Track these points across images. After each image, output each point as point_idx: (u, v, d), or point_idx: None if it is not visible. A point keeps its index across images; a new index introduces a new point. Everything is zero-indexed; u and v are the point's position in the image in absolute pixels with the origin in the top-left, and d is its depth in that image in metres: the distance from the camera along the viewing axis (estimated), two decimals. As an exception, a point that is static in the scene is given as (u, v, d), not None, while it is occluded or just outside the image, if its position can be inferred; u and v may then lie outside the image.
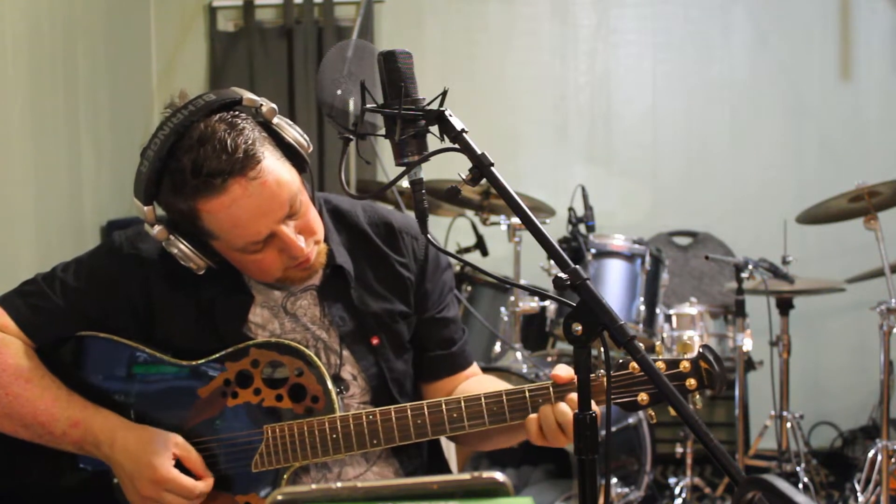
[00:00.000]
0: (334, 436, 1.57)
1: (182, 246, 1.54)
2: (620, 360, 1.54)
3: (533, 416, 1.54)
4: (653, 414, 1.58)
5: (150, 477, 1.55)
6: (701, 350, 1.53)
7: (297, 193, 1.54)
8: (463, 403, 1.56)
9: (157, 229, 1.53)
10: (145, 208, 1.51)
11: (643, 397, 1.52)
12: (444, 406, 1.56)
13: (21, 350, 1.61)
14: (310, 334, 1.67)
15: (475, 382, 1.78)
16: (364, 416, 1.57)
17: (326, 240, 1.68)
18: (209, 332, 1.64)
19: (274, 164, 1.52)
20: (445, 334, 1.77)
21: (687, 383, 1.51)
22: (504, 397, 1.55)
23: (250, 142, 1.49)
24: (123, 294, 1.65)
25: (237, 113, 1.53)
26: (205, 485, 1.58)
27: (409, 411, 1.57)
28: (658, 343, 1.57)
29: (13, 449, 1.64)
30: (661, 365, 1.51)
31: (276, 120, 1.56)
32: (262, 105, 1.55)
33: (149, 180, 1.49)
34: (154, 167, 1.49)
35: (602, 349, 1.28)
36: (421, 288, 1.74)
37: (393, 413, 1.57)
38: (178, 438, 1.59)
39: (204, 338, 1.63)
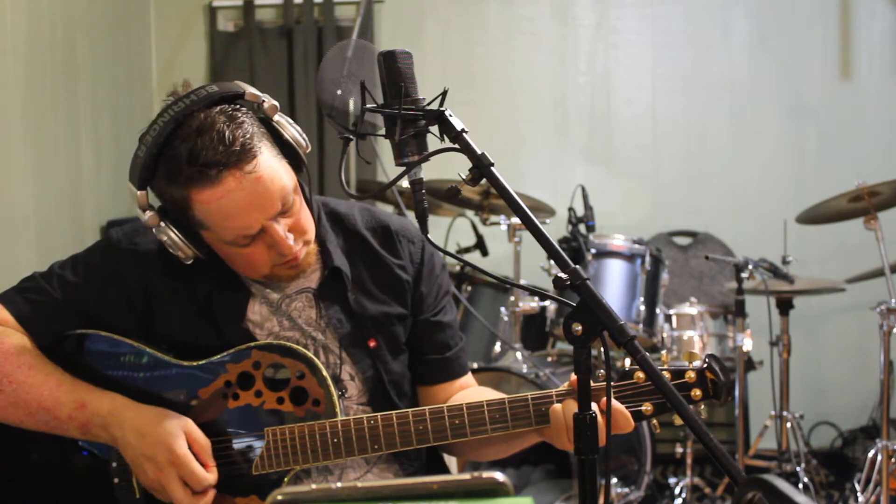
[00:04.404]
0: (335, 440, 1.56)
1: (172, 234, 1.54)
2: (626, 370, 1.53)
3: (558, 406, 1.51)
4: (656, 424, 1.56)
5: (166, 458, 1.52)
6: (707, 360, 1.52)
7: (290, 192, 1.55)
8: (465, 410, 1.55)
9: (148, 215, 1.54)
10: (138, 193, 1.52)
11: (647, 407, 1.51)
12: (446, 412, 1.55)
13: (22, 339, 1.61)
14: (306, 335, 1.67)
15: (472, 393, 1.78)
16: (365, 421, 1.56)
17: (324, 242, 1.68)
18: (208, 327, 1.64)
19: (270, 161, 1.52)
20: (441, 338, 1.77)
21: (692, 394, 1.51)
22: (507, 404, 1.55)
23: (248, 136, 1.49)
24: (121, 289, 1.65)
25: (238, 106, 1.53)
26: (213, 477, 1.55)
27: (410, 417, 1.56)
28: (664, 353, 1.56)
29: (13, 450, 1.64)
30: (666, 375, 1.49)
31: (276, 117, 1.56)
32: (263, 101, 1.55)
33: (144, 165, 1.50)
34: (150, 153, 1.49)
35: (602, 349, 1.28)
36: (417, 291, 1.74)
37: (395, 418, 1.56)
38: (189, 422, 1.56)
39: (203, 332, 1.63)
